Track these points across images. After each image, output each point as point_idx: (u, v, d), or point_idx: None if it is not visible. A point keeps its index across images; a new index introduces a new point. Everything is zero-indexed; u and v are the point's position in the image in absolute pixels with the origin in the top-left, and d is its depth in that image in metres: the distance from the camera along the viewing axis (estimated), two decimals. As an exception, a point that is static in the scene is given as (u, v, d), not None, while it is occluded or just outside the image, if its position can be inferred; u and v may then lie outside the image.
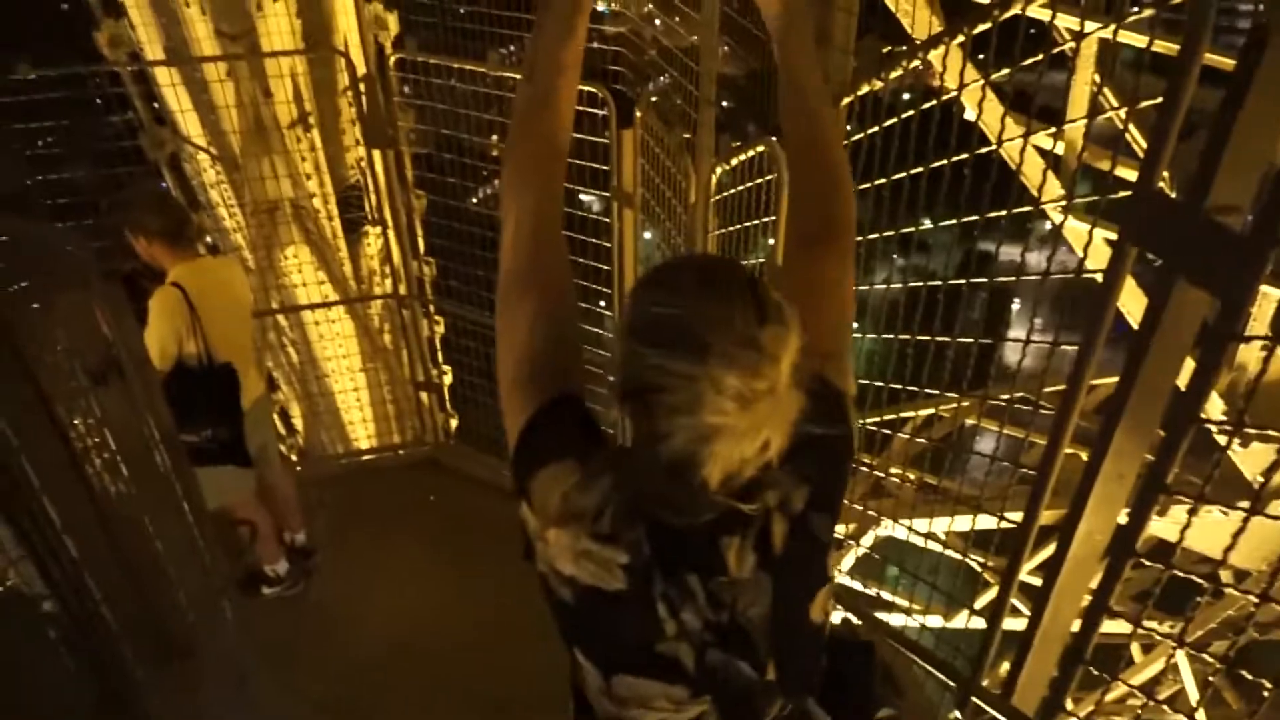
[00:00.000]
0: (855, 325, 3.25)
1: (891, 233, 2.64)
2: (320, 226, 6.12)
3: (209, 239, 5.53)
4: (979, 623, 2.34)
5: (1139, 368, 1.23)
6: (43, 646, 2.23)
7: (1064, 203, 2.29)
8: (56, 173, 5.08)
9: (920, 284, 2.39)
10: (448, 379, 5.57)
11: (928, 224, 2.50)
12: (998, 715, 1.58)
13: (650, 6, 5.68)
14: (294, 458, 6.68)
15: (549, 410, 1.20)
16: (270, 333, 6.46)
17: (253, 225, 5.82)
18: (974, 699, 1.65)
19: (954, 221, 2.23)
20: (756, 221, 3.07)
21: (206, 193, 6.08)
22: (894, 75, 2.02)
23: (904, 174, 2.32)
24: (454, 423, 5.62)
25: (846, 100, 2.16)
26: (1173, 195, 1.51)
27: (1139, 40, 1.92)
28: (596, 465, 1.15)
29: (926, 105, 2.19)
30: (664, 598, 1.10)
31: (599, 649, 1.19)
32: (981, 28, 2.13)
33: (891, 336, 2.81)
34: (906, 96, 2.49)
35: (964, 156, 2.31)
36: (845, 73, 2.11)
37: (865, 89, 2.12)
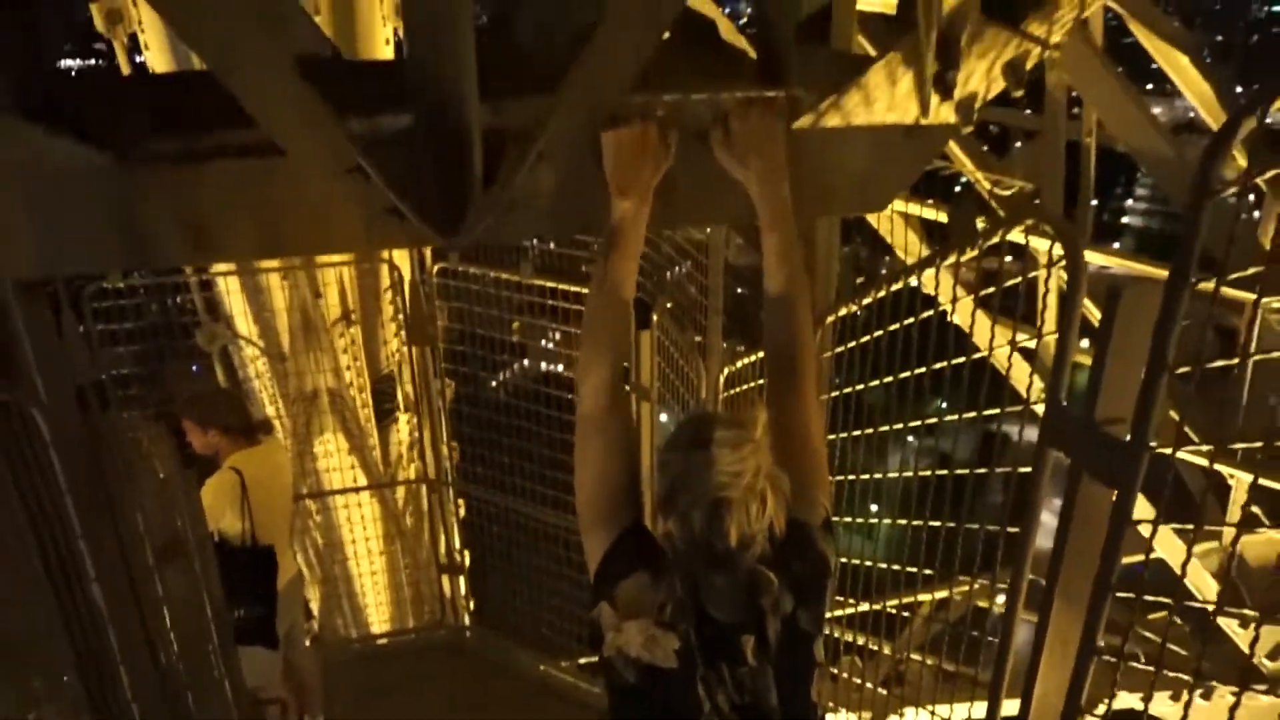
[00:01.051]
0: (874, 508, 3.44)
1: (900, 425, 2.76)
2: (355, 414, 6.49)
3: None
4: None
5: (1064, 546, 1.50)
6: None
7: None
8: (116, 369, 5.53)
9: (918, 472, 2.59)
10: (467, 562, 5.74)
11: (932, 418, 2.62)
12: None
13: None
14: (308, 642, 6.71)
15: (625, 537, 1.57)
16: (296, 518, 6.68)
17: (293, 413, 6.20)
18: None
19: (947, 416, 2.38)
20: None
21: (250, 382, 6.53)
22: (867, 300, 2.40)
23: (905, 373, 2.48)
24: (472, 605, 5.73)
25: (830, 319, 2.55)
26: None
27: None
28: (661, 571, 1.49)
29: (919, 317, 2.41)
30: (703, 680, 1.41)
31: None
32: (968, 255, 2.40)
33: (902, 521, 2.87)
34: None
35: (959, 360, 2.43)
36: (829, 296, 2.51)
37: (843, 311, 2.50)
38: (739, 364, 3.56)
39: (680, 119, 1.69)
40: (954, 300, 2.27)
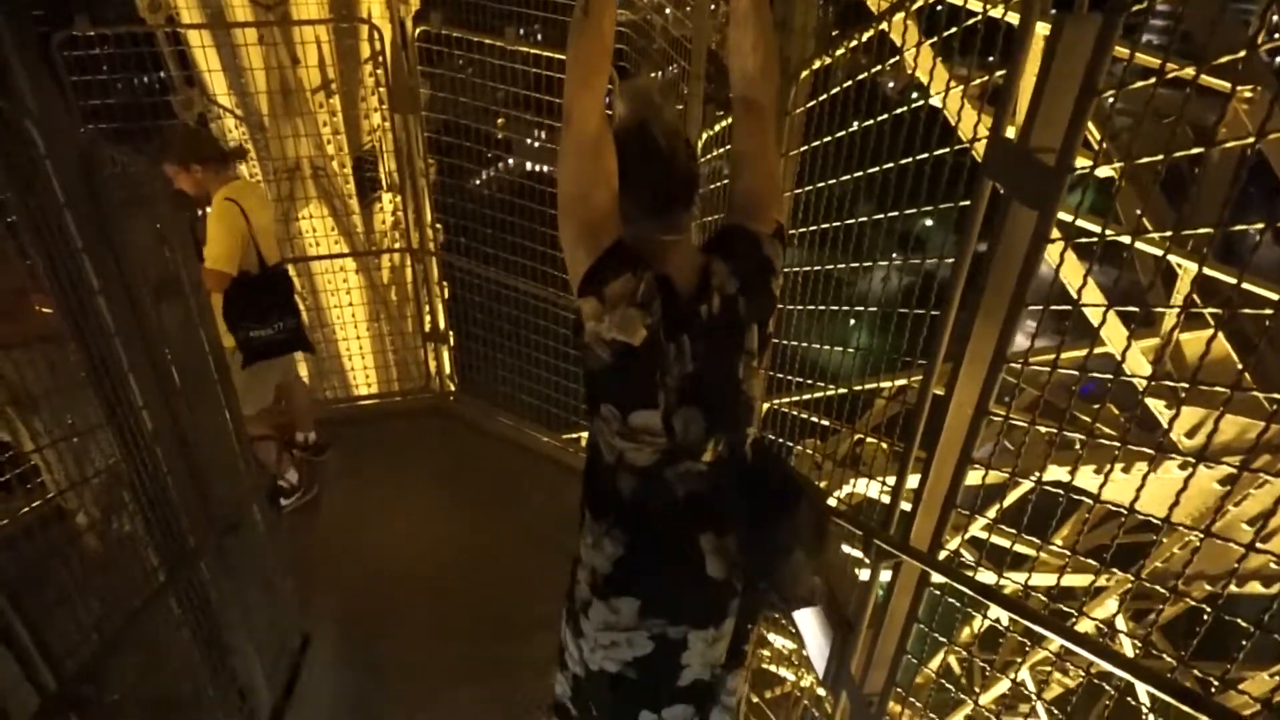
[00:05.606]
0: (853, 323, 3.54)
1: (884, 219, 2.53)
2: (337, 187, 6.50)
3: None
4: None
5: (991, 265, 1.66)
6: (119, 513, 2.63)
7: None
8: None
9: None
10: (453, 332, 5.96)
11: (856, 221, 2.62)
12: (897, 553, 2.03)
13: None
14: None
15: (613, 249, 1.69)
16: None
17: (273, 182, 6.20)
18: (878, 542, 2.08)
19: (894, 213, 2.39)
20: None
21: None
22: (839, 52, 2.41)
23: (887, 165, 2.37)
24: (455, 375, 6.01)
25: (804, 74, 2.56)
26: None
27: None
28: (636, 267, 1.70)
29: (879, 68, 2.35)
30: (662, 356, 1.68)
31: (621, 393, 1.73)
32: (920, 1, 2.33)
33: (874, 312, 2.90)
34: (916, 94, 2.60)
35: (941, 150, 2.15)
36: (806, 53, 2.52)
37: (817, 64, 2.50)
38: (717, 128, 3.60)
39: None
40: (917, 47, 2.28)
